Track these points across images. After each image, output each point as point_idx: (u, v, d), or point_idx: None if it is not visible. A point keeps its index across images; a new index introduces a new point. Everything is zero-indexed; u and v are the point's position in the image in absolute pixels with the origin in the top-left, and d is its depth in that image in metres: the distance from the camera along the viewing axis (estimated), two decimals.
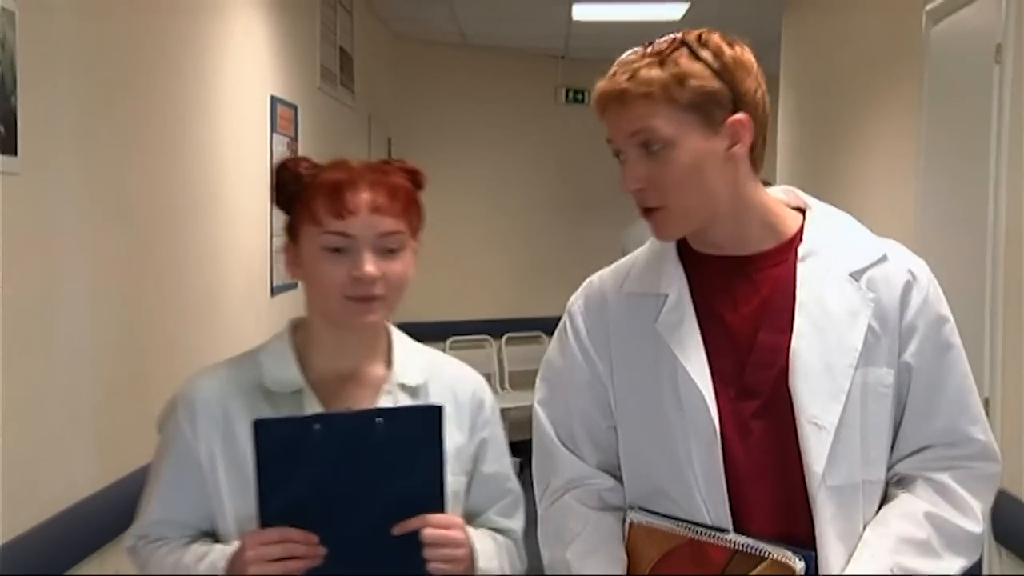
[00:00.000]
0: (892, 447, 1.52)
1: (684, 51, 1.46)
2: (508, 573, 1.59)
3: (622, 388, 1.57)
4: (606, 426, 1.59)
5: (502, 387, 7.57)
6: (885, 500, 1.52)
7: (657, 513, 1.53)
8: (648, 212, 1.50)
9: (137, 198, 2.74)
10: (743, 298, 1.52)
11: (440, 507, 1.43)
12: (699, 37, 1.48)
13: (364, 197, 1.50)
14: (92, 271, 2.48)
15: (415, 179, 1.58)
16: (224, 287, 3.49)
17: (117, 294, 2.61)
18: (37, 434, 2.21)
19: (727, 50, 1.48)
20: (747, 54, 1.50)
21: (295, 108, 4.36)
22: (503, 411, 7.23)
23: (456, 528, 1.47)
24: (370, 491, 1.39)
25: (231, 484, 1.51)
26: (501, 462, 1.66)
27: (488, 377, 7.92)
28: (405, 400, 1.57)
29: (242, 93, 3.71)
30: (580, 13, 6.36)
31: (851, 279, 1.50)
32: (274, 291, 4.09)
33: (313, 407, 1.52)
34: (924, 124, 3.48)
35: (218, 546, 1.51)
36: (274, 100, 4.07)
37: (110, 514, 2.45)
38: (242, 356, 1.60)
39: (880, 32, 4.10)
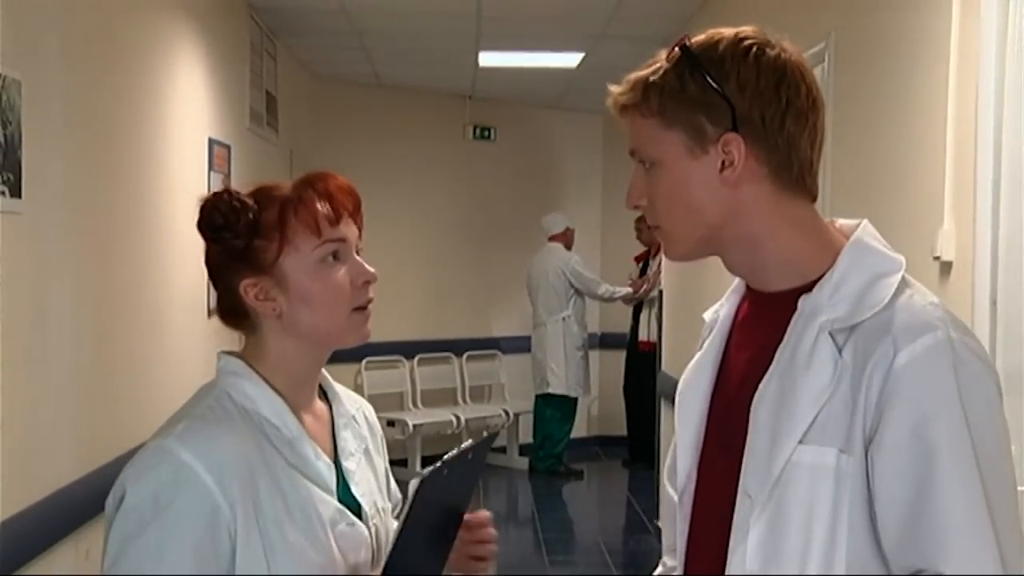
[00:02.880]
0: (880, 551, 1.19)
1: (681, 56, 1.24)
2: None
3: None
4: None
5: (415, 405, 7.84)
6: None
7: None
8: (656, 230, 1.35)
9: (105, 231, 3.18)
10: (752, 342, 1.32)
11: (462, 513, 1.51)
12: (706, 40, 1.26)
13: (347, 199, 1.45)
14: (73, 294, 2.90)
15: None
16: (171, 309, 3.93)
17: (91, 313, 3.04)
18: (31, 430, 2.60)
19: (735, 55, 1.23)
20: (765, 58, 1.23)
21: (229, 148, 4.78)
22: (416, 427, 8.11)
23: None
24: (443, 517, 1.44)
25: (286, 545, 1.35)
26: (391, 477, 1.65)
27: (401, 396, 8.34)
28: (362, 431, 1.55)
29: (186, 137, 4.15)
30: (486, 60, 6.65)
31: (830, 337, 1.21)
32: (210, 312, 4.54)
33: (316, 451, 1.43)
34: None
35: None
36: (211, 141, 4.48)
37: (87, 498, 2.89)
38: (213, 403, 1.41)
39: None
